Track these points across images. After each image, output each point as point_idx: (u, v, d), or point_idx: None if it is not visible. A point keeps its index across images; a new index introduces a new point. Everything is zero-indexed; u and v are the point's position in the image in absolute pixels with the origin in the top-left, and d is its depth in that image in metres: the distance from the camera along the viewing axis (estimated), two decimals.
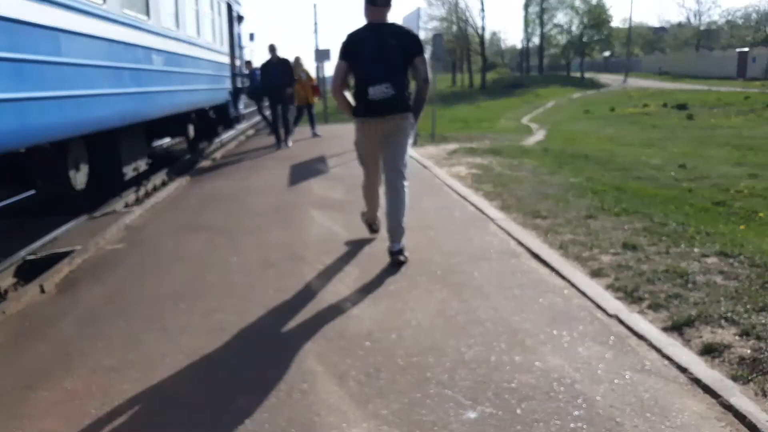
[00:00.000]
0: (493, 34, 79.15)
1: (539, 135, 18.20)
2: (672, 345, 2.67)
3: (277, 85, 11.54)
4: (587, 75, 59.56)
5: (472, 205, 5.90)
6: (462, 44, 56.58)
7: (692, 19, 71.64)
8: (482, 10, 53.95)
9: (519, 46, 68.59)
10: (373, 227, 5.08)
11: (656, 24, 78.57)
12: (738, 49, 48.45)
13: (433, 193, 6.65)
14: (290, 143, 12.17)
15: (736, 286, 3.39)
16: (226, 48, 13.56)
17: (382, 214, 4.64)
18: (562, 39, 60.34)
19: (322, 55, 19.16)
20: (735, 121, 19.70)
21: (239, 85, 15.21)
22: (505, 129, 20.88)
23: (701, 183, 9.26)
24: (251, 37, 20.75)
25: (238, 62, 15.42)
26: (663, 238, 4.49)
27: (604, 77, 57.39)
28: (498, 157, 9.62)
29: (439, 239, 4.76)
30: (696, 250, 4.14)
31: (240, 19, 15.97)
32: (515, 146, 12.30)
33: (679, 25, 74.01)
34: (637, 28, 66.16)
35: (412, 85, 4.51)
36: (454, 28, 55.85)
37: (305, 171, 8.70)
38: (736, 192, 8.54)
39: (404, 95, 4.38)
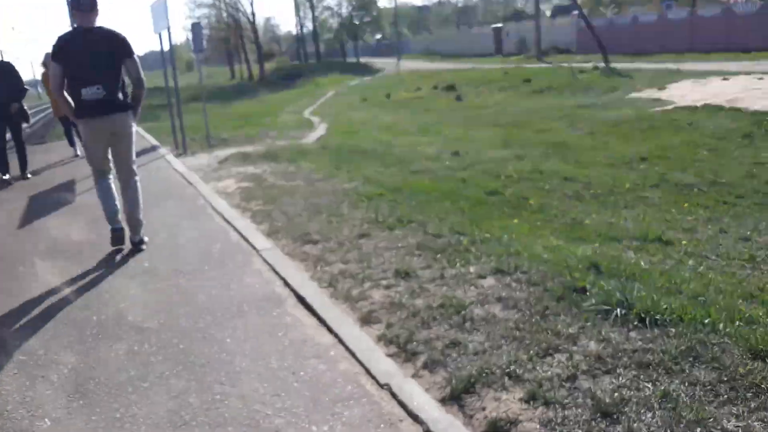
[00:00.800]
0: (267, 20, 77.92)
1: (321, 129, 17.86)
2: (452, 427, 2.21)
3: None
4: (362, 60, 61.22)
5: (237, 231, 5.17)
6: (235, 33, 54.73)
7: None
8: None
9: (294, 32, 68.29)
10: (115, 228, 5.01)
11: (419, 2, 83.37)
12: (493, 26, 52.87)
13: (193, 218, 5.79)
14: (28, 174, 9.39)
15: (516, 320, 3.07)
16: None
17: None
18: (335, 23, 61.24)
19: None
20: (498, 98, 21.18)
21: None
22: (287, 124, 20.24)
23: (474, 170, 9.45)
24: None
25: None
26: (437, 255, 4.16)
27: (378, 61, 59.35)
28: (273, 163, 8.95)
29: (190, 290, 3.97)
30: (472, 269, 3.85)
31: None
32: (294, 146, 11.74)
33: (440, 2, 79.19)
34: (402, 8, 69.57)
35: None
36: (224, 15, 53.84)
37: (45, 204, 7.27)
38: (506, 177, 8.80)
39: (116, 95, 4.68)
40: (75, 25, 4.75)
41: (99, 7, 4.63)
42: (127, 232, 5.03)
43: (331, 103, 28.14)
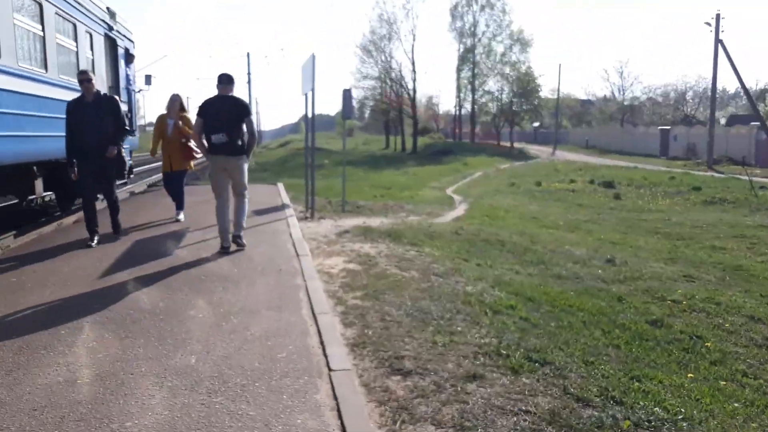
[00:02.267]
0: (429, 98, 79.59)
1: (460, 209, 16.81)
2: None
3: (88, 140, 6.87)
4: (517, 145, 60.14)
5: (318, 332, 4.06)
6: (394, 106, 56.14)
7: (617, 94, 74.44)
8: (413, 71, 53.61)
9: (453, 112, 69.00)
10: (224, 245, 6.80)
11: (583, 96, 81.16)
12: (660, 127, 49.86)
13: (279, 304, 4.78)
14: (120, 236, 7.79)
15: None
16: (103, 88, 11.55)
17: None
18: (493, 107, 61.02)
19: None
20: (662, 203, 18.96)
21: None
22: (427, 199, 19.47)
23: (632, 286, 7.81)
24: (147, 80, 18.76)
25: (125, 107, 13.40)
26: None
27: (533, 148, 58.01)
28: (393, 243, 7.89)
29: (214, 418, 2.85)
30: None
31: (129, 56, 13.96)
32: (425, 225, 10.68)
33: (605, 98, 76.66)
34: (565, 99, 67.90)
35: None
36: (388, 89, 55.53)
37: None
38: (672, 302, 7.10)
39: (236, 142, 6.64)
40: (218, 93, 6.84)
41: (234, 83, 6.90)
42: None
43: (477, 184, 27.12)
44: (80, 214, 8.50)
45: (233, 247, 6.82)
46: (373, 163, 38.79)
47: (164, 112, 9.27)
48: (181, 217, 9.16)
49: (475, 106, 61.65)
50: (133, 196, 13.74)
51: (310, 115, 11.02)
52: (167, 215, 9.43)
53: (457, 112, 65.17)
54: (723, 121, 54.80)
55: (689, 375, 4.66)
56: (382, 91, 57.12)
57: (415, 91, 54.68)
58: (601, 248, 11.08)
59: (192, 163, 9.59)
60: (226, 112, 6.61)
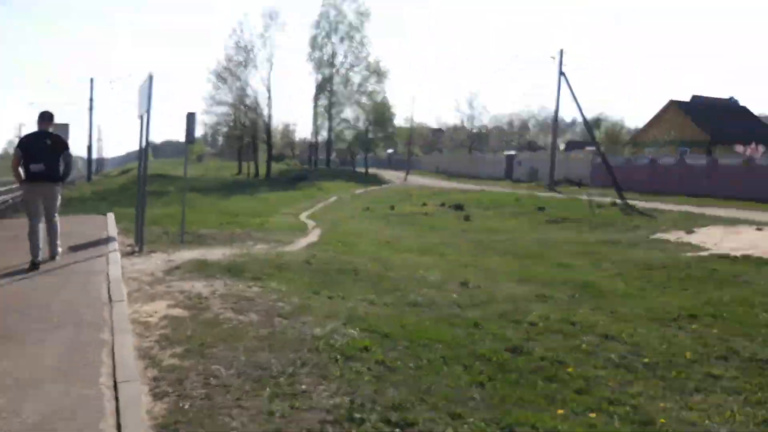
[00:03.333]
0: (286, 125, 78.67)
1: (313, 235, 16.04)
2: None
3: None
4: (372, 170, 60.88)
5: (116, 410, 3.10)
6: (249, 132, 54.60)
7: (466, 123, 78.37)
8: (269, 98, 52.53)
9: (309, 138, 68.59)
10: (34, 261, 7.24)
11: (435, 125, 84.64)
12: (506, 152, 52.85)
13: (72, 367, 3.72)
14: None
15: None
16: None
17: None
18: (350, 134, 61.46)
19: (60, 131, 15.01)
20: (509, 223, 19.50)
21: None
22: (278, 226, 18.47)
23: (488, 310, 7.47)
24: None
25: None
26: None
27: (387, 173, 58.97)
28: (232, 280, 6.95)
29: None
30: None
31: None
32: (273, 255, 9.78)
33: (455, 127, 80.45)
34: (418, 128, 70.10)
35: None
36: (242, 116, 53.97)
37: None
38: (530, 325, 6.81)
39: (53, 171, 7.64)
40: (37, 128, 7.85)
41: (53, 120, 7.99)
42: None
43: (332, 209, 26.60)
44: None
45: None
46: (224, 189, 37.04)
47: None
48: None
49: (332, 134, 61.70)
50: None
51: (144, 138, 9.79)
52: None
53: (315, 139, 64.80)
54: (562, 146, 59.39)
55: (559, 411, 4.25)
56: (236, 118, 55.42)
57: (270, 117, 53.62)
58: (454, 271, 10.83)
59: None
60: (43, 146, 7.62)
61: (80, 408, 3.15)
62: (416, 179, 50.00)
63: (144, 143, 9.47)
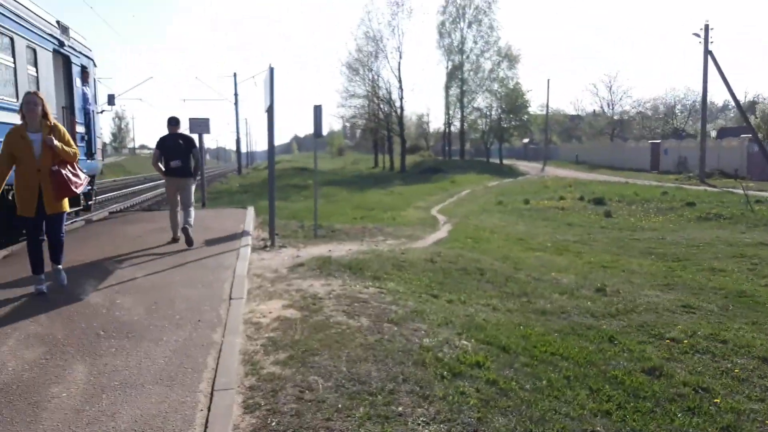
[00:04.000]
0: (419, 116, 78.91)
1: (443, 231, 15.78)
2: None
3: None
4: (507, 161, 59.40)
5: (205, 423, 3.03)
6: (383, 125, 55.31)
7: (606, 109, 73.93)
8: (400, 89, 52.66)
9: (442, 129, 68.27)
10: (175, 237, 9.13)
11: (572, 111, 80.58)
12: (650, 141, 49.13)
13: (178, 370, 3.75)
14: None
15: None
16: (51, 108, 10.51)
17: None
18: (483, 124, 60.28)
19: (201, 125, 15.90)
20: (655, 220, 17.98)
21: (82, 156, 12.08)
22: (409, 221, 18.44)
23: (625, 321, 6.81)
24: (110, 99, 17.80)
25: (81, 129, 12.35)
26: None
27: (523, 164, 57.25)
28: (352, 279, 6.86)
29: None
30: None
31: (86, 74, 12.94)
32: (398, 253, 9.65)
33: (594, 113, 76.18)
34: (554, 115, 67.19)
35: None
36: (376, 107, 54.68)
37: None
38: (671, 341, 6.09)
39: (188, 167, 9.02)
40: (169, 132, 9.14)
41: (180, 124, 9.25)
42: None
43: (464, 203, 26.16)
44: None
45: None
46: (360, 182, 37.84)
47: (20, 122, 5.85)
48: (64, 276, 6.18)
49: (465, 123, 60.88)
50: (88, 223, 12.68)
51: (270, 132, 10.02)
52: (115, 249, 8.39)
53: (447, 130, 64.30)
54: (713, 133, 54.21)
55: None
56: (370, 110, 56.31)
57: (402, 108, 53.78)
58: (590, 273, 10.09)
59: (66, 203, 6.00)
60: (178, 145, 8.97)
61: (172, 416, 3.12)
62: (554, 170, 48.04)
63: (271, 137, 9.65)
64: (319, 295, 5.86)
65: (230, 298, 5.61)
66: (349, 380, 3.63)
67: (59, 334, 4.52)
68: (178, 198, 9.12)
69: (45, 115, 5.72)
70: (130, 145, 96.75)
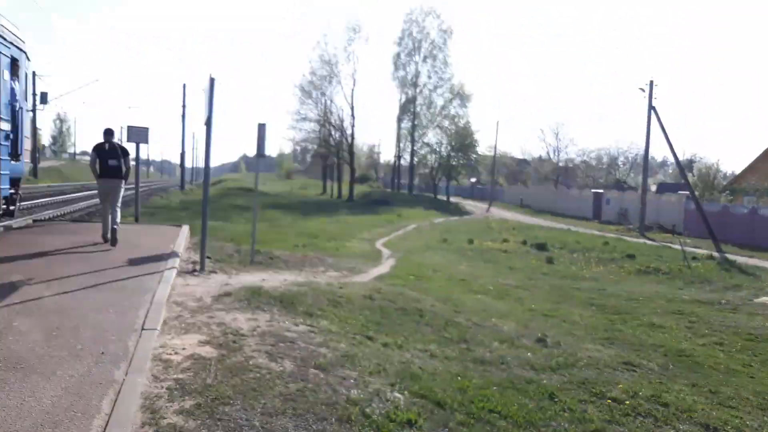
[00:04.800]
0: (371, 147, 79.18)
1: (386, 265, 15.42)
2: None
3: None
4: (454, 199, 59.96)
5: None
6: (334, 152, 55.04)
7: (552, 155, 75.92)
8: (352, 116, 52.57)
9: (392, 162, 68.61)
10: (105, 237, 10.09)
11: (520, 155, 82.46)
12: (593, 190, 50.42)
13: (63, 418, 3.20)
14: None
15: None
16: None
17: None
18: (432, 159, 60.79)
19: (139, 134, 15.02)
20: (596, 270, 18.12)
21: (5, 157, 11.14)
22: (353, 252, 18.02)
23: (566, 377, 6.53)
24: (43, 98, 16.86)
25: (6, 126, 11.39)
26: None
27: (469, 203, 57.80)
28: (281, 314, 6.37)
29: None
30: None
31: (16, 68, 12.02)
32: (336, 287, 9.19)
33: (540, 158, 78.14)
34: (502, 157, 68.35)
35: None
36: (327, 134, 54.43)
37: None
38: (613, 401, 5.83)
39: (119, 169, 10.19)
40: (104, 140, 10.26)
41: (114, 135, 10.54)
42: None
43: (409, 237, 25.93)
44: None
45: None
46: (306, 208, 37.27)
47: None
48: None
49: (415, 158, 61.37)
50: (7, 231, 11.70)
51: (207, 148, 9.50)
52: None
53: (397, 162, 64.64)
54: (653, 188, 56.29)
55: None
56: (321, 135, 56.00)
57: (353, 137, 53.72)
58: (531, 321, 9.87)
59: None
60: (112, 152, 10.21)
61: None
62: (499, 211, 48.61)
63: (207, 151, 9.13)
64: (242, 331, 5.35)
65: (143, 329, 5.04)
66: None
67: None
68: (109, 198, 10.17)
69: None
70: (71, 150, 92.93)
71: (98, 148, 10.17)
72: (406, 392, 4.49)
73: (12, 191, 12.08)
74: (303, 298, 7.48)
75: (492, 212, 47.95)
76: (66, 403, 3.40)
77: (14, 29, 11.88)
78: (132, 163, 11.51)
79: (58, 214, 20.45)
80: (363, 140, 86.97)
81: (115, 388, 3.66)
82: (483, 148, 61.13)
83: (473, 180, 71.95)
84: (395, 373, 4.97)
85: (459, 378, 5.62)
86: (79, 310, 5.52)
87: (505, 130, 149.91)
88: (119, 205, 10.38)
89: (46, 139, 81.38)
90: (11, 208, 12.37)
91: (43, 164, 53.77)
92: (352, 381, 4.41)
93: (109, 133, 10.42)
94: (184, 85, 49.02)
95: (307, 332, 5.68)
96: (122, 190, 10.49)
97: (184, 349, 4.65)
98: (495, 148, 59.41)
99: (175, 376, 4.02)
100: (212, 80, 8.56)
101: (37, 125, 40.26)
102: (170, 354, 4.50)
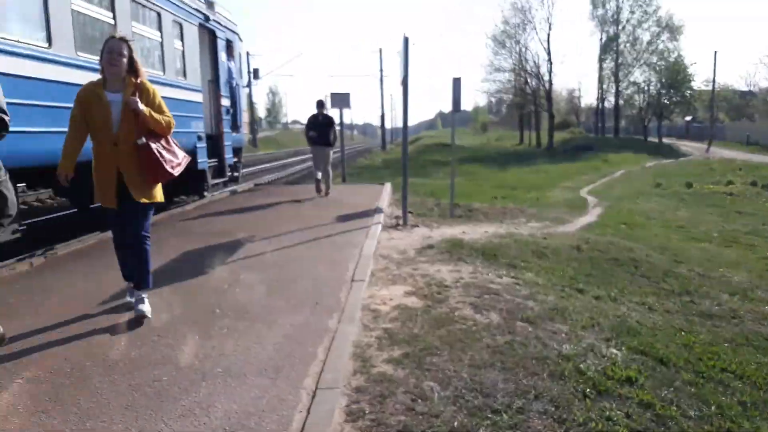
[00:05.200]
0: (570, 91, 74.88)
1: (592, 215, 14.60)
2: None
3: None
4: (666, 141, 54.67)
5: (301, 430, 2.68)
6: (530, 100, 53.09)
7: None
8: (549, 62, 50.03)
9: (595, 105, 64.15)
10: (318, 189, 11.97)
11: (744, 87, 71.82)
12: None
13: (284, 360, 3.45)
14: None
15: None
16: (197, 82, 10.95)
17: None
18: (640, 99, 55.77)
19: (342, 100, 15.84)
20: None
21: (227, 129, 12.52)
22: (555, 203, 17.34)
23: None
24: (255, 74, 18.28)
25: (226, 102, 12.74)
26: None
27: (684, 144, 52.42)
28: (484, 266, 6.27)
29: None
30: None
31: (231, 49, 13.30)
32: (540, 238, 8.87)
33: None
34: (722, 91, 60.32)
35: None
36: (523, 82, 52.58)
37: None
38: None
39: (326, 138, 11.70)
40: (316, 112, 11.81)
41: (325, 106, 11.97)
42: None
43: (617, 184, 24.29)
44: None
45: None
46: (503, 160, 36.60)
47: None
48: (146, 308, 4.24)
49: (620, 99, 56.82)
50: (233, 195, 13.15)
51: (404, 106, 9.59)
52: (246, 227, 8.47)
53: (600, 105, 60.37)
54: None
55: None
56: (517, 84, 54.29)
57: (551, 83, 51.26)
58: (767, 272, 8.70)
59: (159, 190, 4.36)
60: (321, 122, 11.69)
61: (269, 416, 2.80)
62: (720, 151, 43.38)
63: (405, 110, 9.21)
64: (445, 282, 5.35)
65: (352, 280, 5.27)
66: (471, 390, 3.10)
67: (177, 310, 4.41)
68: (321, 163, 11.84)
69: (135, 71, 4.09)
70: (284, 120, 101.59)
71: (311, 120, 11.72)
72: (623, 348, 4.15)
73: (235, 159, 13.46)
74: (505, 249, 7.31)
75: (712, 152, 42.99)
76: (286, 349, 3.65)
77: (228, 15, 13.05)
78: (337, 127, 12.79)
79: (276, 178, 22.48)
80: (561, 85, 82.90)
81: (329, 337, 3.86)
82: (699, 82, 54.58)
83: (688, 118, 64.67)
84: (610, 327, 4.63)
85: (683, 333, 5.10)
86: (295, 264, 5.95)
87: (725, 61, 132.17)
88: (329, 166, 12.01)
89: (261, 112, 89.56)
90: (235, 174, 13.79)
91: (260, 135, 59.45)
92: (563, 335, 4.19)
93: (320, 104, 11.79)
94: (381, 50, 50.64)
95: (511, 284, 5.53)
96: (331, 155, 12.18)
97: (391, 299, 4.77)
98: (713, 81, 52.75)
99: (383, 325, 4.14)
100: (406, 39, 8.57)
101: (253, 99, 44.98)
102: (378, 304, 4.64)
